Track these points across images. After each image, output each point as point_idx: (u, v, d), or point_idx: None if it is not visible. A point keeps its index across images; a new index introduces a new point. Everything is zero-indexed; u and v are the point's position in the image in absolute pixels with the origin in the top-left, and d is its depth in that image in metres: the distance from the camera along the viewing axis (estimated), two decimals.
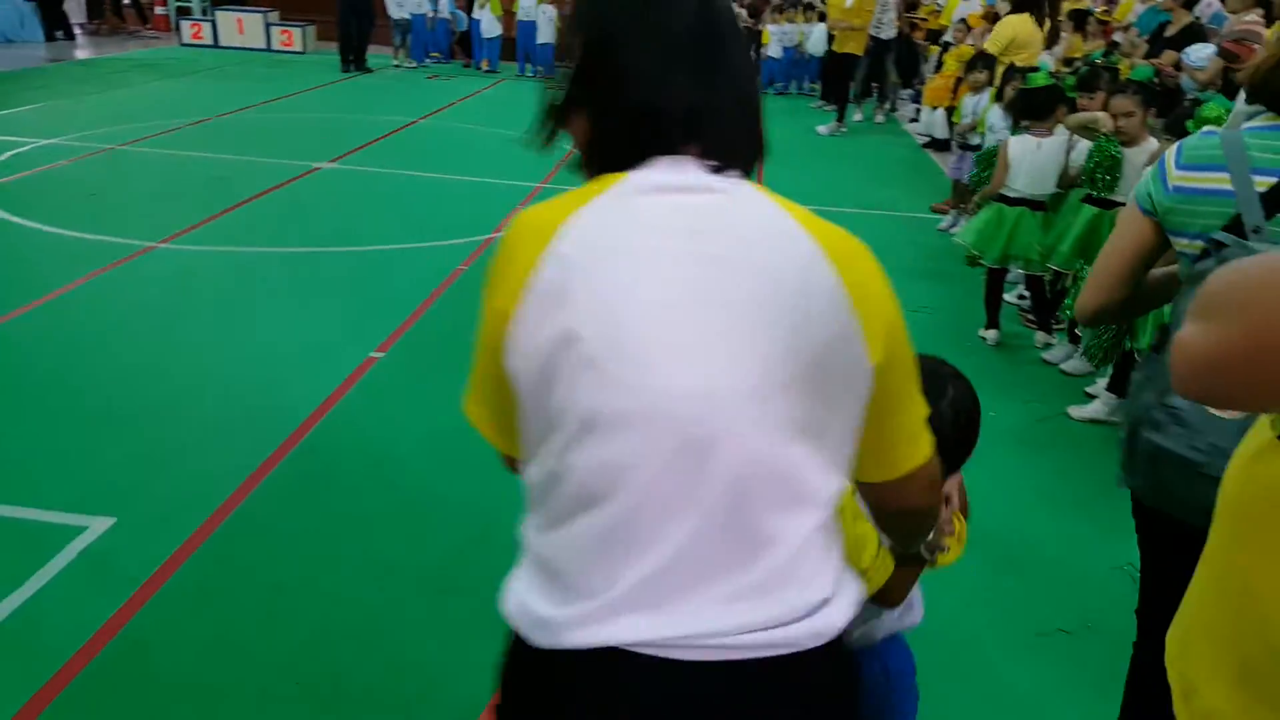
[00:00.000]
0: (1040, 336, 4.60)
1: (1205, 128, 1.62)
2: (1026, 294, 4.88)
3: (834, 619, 0.98)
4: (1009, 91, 5.15)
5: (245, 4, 13.84)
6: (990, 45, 6.62)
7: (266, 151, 7.69)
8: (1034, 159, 4.35)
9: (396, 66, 12.72)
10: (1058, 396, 4.05)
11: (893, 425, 1.02)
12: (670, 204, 0.97)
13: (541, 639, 0.98)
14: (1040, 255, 4.34)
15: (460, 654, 2.39)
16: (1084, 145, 4.33)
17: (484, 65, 12.87)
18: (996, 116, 6.32)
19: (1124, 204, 3.93)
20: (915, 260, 5.89)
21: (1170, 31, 6.16)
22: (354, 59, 12.07)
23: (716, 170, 0.99)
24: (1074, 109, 4.61)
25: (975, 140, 5.75)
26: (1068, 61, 6.16)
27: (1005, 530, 3.07)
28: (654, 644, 0.94)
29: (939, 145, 9.29)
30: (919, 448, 1.05)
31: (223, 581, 2.63)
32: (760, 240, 0.96)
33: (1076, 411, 3.85)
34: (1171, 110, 4.11)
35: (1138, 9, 8.99)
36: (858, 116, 10.38)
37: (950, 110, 9.18)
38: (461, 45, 13.45)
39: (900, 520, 1.17)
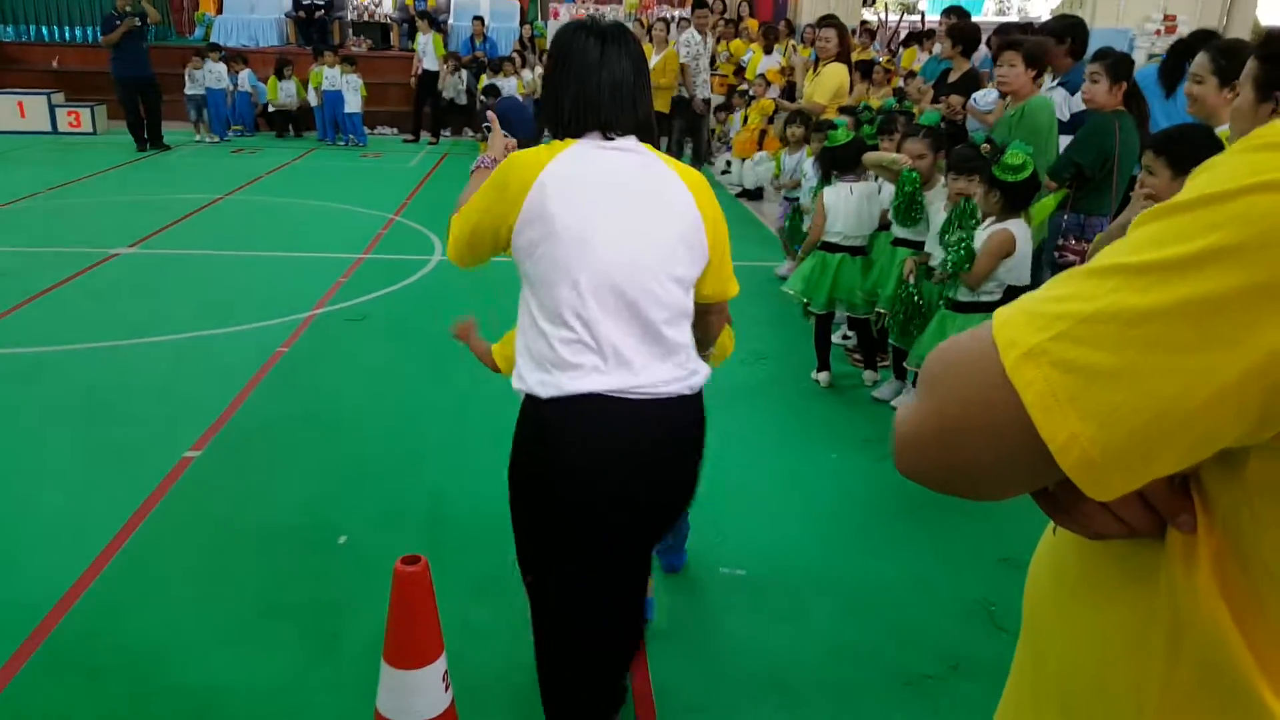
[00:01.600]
0: (868, 375, 4.78)
1: None
2: (851, 334, 5.06)
3: (701, 378, 1.88)
4: (814, 143, 5.39)
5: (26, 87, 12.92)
6: (819, 95, 6.89)
7: (56, 240, 7.13)
8: (849, 204, 4.54)
9: (198, 141, 12.14)
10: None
11: (721, 272, 1.94)
12: (607, 155, 1.82)
13: (548, 392, 1.75)
14: (863, 298, 4.51)
15: None
16: (891, 187, 4.56)
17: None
18: (809, 166, 6.58)
19: (922, 243, 4.21)
20: (750, 308, 6.01)
21: (953, 78, 6.63)
22: (148, 137, 11.43)
23: (631, 138, 1.86)
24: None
25: (800, 196, 5.94)
26: (852, 110, 6.47)
27: (856, 575, 3.11)
28: (614, 391, 1.75)
29: (751, 195, 9.63)
30: (733, 286, 2.00)
31: None
32: (655, 176, 1.84)
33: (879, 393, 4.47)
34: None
35: (921, 58, 9.69)
36: None
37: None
38: (265, 117, 12.99)
39: (710, 325, 2.06)
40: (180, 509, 3.41)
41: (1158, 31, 8.28)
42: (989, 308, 3.71)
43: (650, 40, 10.28)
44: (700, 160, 10.46)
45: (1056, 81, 5.20)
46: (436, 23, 13.22)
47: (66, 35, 14.49)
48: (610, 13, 15.58)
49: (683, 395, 1.80)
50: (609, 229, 1.74)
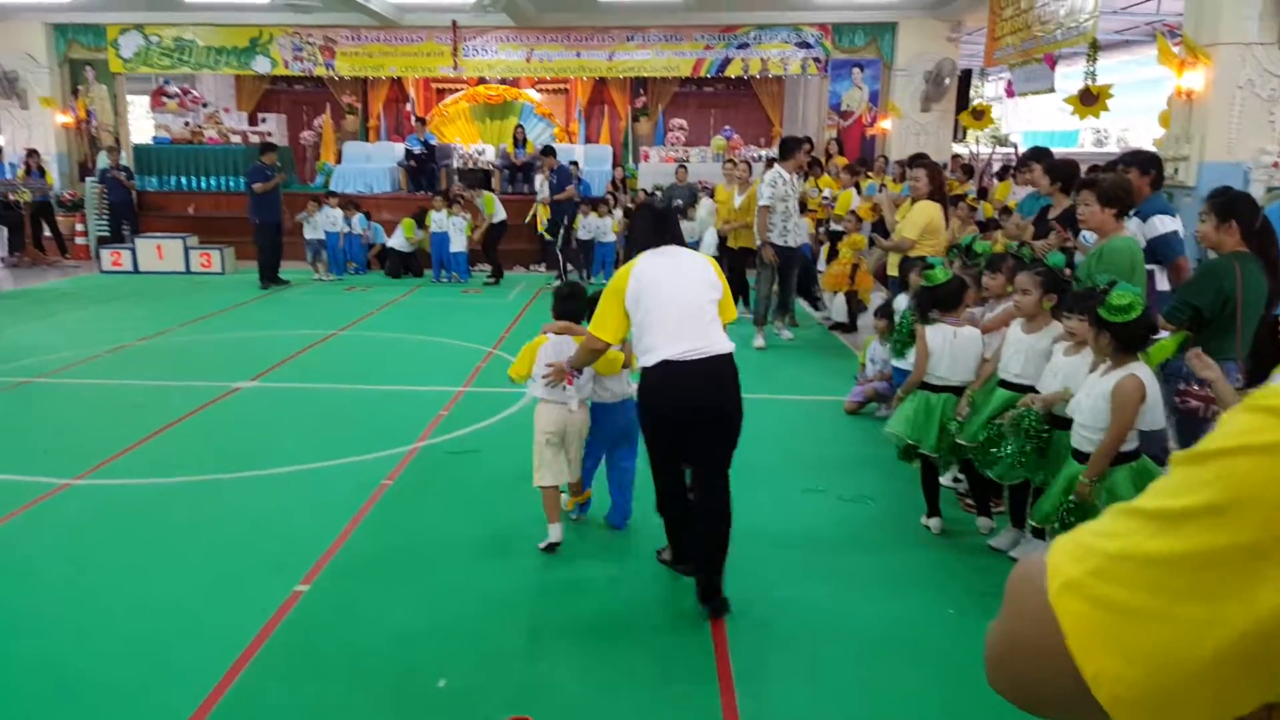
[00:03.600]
0: (982, 522, 4.53)
1: None
2: (961, 476, 4.88)
3: (729, 346, 3.72)
4: (913, 279, 5.30)
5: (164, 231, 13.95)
6: (909, 230, 6.91)
7: (186, 374, 7.54)
8: (952, 347, 4.41)
9: (317, 279, 12.84)
10: None
11: (728, 306, 3.85)
12: (663, 252, 3.87)
13: (649, 362, 3.65)
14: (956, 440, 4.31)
15: None
16: (995, 334, 4.46)
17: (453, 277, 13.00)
18: (875, 350, 6.53)
19: (1033, 389, 4.06)
20: (847, 446, 5.93)
21: (1053, 214, 6.57)
22: (270, 275, 12.16)
23: (679, 245, 3.96)
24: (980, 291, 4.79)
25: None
26: (954, 248, 6.45)
27: None
28: (673, 357, 3.60)
29: (843, 327, 9.59)
30: (731, 313, 3.88)
31: None
32: (688, 257, 3.91)
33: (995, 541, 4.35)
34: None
35: (1016, 191, 9.65)
36: (759, 341, 8.73)
37: (850, 295, 9.54)
38: (379, 258, 13.68)
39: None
40: (289, 645, 3.46)
41: (1275, 164, 8.04)
42: (1122, 457, 3.53)
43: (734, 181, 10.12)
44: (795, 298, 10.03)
45: (1134, 212, 5.14)
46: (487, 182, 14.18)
47: (201, 185, 15.69)
48: (698, 155, 16.13)
49: (717, 354, 3.61)
50: (672, 282, 3.69)
